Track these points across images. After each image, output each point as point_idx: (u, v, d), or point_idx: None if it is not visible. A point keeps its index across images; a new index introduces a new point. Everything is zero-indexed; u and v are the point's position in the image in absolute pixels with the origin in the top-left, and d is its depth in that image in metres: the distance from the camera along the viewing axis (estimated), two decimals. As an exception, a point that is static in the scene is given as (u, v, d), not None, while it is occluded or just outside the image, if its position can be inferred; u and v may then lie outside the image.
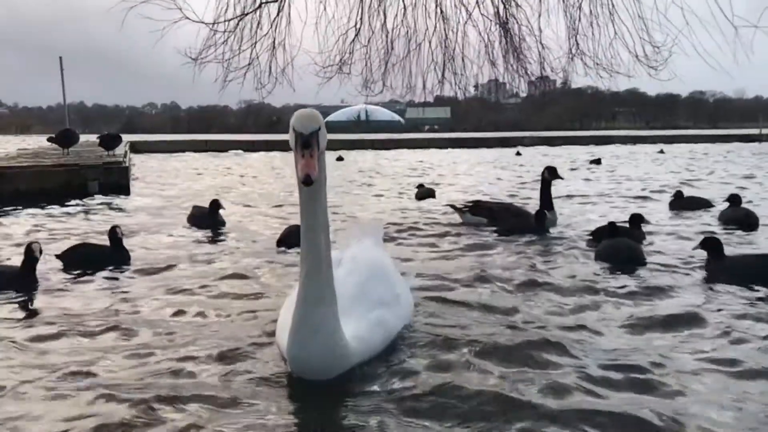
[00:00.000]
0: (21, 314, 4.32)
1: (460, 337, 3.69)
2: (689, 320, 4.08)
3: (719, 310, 4.32)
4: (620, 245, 6.05)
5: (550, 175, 8.42)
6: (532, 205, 9.12)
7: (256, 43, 7.72)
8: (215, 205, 8.52)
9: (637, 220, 7.07)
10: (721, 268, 5.20)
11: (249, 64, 7.80)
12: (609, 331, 3.88)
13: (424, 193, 12.45)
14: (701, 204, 9.77)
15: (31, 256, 5.08)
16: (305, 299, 3.08)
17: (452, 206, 9.01)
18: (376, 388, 3.04)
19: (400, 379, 3.12)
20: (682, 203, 9.86)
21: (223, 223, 8.40)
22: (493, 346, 3.54)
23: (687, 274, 5.39)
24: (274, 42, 7.82)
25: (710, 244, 5.37)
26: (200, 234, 7.82)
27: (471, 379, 3.11)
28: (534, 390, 2.98)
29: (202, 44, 7.46)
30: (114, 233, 5.93)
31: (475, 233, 7.71)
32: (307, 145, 2.92)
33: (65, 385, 3.09)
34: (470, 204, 8.83)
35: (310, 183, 2.84)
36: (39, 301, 4.70)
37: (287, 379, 3.16)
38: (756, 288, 4.81)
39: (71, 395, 2.99)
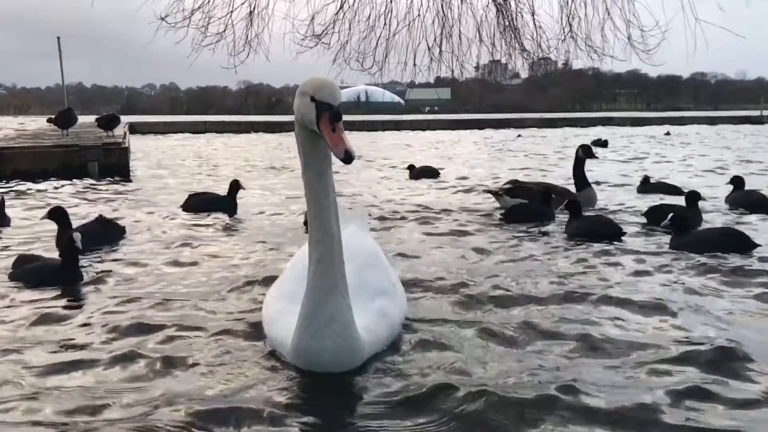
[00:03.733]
0: (67, 312, 4.12)
1: (455, 330, 3.60)
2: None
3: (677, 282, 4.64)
4: (594, 222, 6.49)
5: (584, 153, 8.31)
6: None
7: (232, 12, 7.65)
8: (235, 185, 8.15)
9: (694, 198, 6.86)
10: (683, 241, 5.58)
11: (224, 30, 7.75)
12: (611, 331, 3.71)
13: (419, 172, 12.32)
14: (668, 190, 9.56)
15: (73, 247, 4.73)
16: (318, 288, 2.86)
17: (489, 191, 8.75)
18: (378, 381, 2.92)
19: (402, 373, 3.00)
20: (648, 188, 9.65)
21: (235, 208, 8.01)
22: (491, 337, 3.47)
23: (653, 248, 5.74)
24: (251, 11, 7.74)
25: (678, 220, 5.73)
26: (211, 217, 7.60)
27: (470, 373, 3.01)
28: (535, 386, 2.87)
29: (174, 5, 7.42)
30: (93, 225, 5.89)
31: (476, 219, 7.59)
32: (338, 117, 2.61)
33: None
34: (507, 186, 8.48)
35: (352, 160, 2.55)
36: (83, 297, 4.48)
37: (285, 371, 3.03)
38: (712, 260, 5.14)
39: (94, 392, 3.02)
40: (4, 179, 11.44)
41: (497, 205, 8.37)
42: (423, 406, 2.70)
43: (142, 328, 3.70)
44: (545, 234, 6.63)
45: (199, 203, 8.05)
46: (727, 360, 3.16)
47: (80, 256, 4.89)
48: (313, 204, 2.88)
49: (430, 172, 12.39)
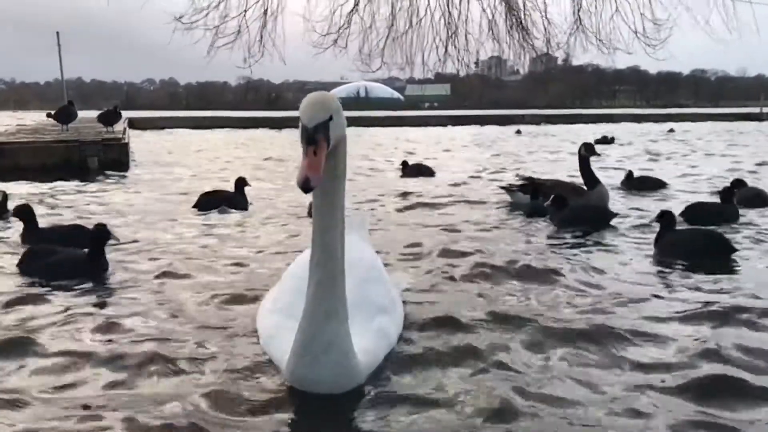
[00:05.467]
0: (98, 305, 4.13)
1: (456, 338, 3.50)
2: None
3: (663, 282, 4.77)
4: (585, 211, 6.77)
5: (587, 151, 8.28)
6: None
7: (246, 11, 7.66)
8: (241, 182, 8.10)
9: (729, 194, 6.74)
10: (668, 240, 5.62)
11: (238, 31, 7.76)
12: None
13: (412, 170, 12.09)
14: (654, 184, 9.67)
15: (106, 237, 4.75)
16: (316, 313, 2.72)
17: (502, 187, 8.70)
18: (374, 397, 2.84)
19: (398, 389, 2.91)
20: (632, 183, 9.76)
21: (246, 205, 7.97)
22: (493, 349, 3.36)
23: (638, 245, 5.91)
24: (266, 11, 7.76)
25: (665, 217, 5.77)
26: (219, 216, 7.53)
27: (467, 383, 2.95)
28: (534, 397, 2.83)
29: (189, 6, 7.42)
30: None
31: (473, 217, 7.48)
32: (311, 141, 2.46)
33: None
34: (521, 182, 8.46)
35: (309, 189, 2.39)
36: (111, 290, 4.47)
37: (281, 387, 2.92)
38: (695, 261, 5.22)
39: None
40: (4, 174, 11.43)
41: (497, 202, 8.35)
42: (419, 423, 2.62)
43: (145, 333, 3.66)
44: (548, 233, 6.61)
45: (211, 201, 7.89)
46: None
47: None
48: (318, 222, 2.74)
49: (424, 170, 12.17)
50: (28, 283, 4.61)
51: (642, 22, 7.78)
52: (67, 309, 4.04)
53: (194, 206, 7.93)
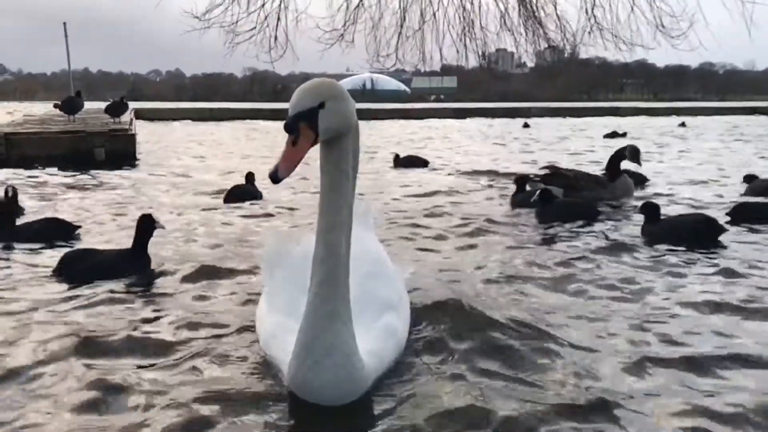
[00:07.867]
0: (148, 304, 4.00)
1: (464, 339, 3.39)
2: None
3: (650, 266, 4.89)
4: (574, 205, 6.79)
5: (630, 155, 8.06)
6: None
7: (264, 4, 7.66)
8: (251, 176, 8.27)
9: None
10: (655, 229, 5.73)
11: (255, 27, 7.76)
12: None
13: (404, 161, 12.02)
14: (636, 179, 9.52)
15: (151, 228, 4.50)
16: (317, 313, 2.58)
17: (523, 177, 8.50)
18: (381, 406, 2.70)
19: (409, 393, 2.80)
20: None
21: (260, 196, 8.03)
22: (500, 347, 3.27)
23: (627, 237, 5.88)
24: (281, 4, 7.75)
25: (648, 207, 5.89)
26: (232, 208, 7.52)
27: (480, 386, 2.85)
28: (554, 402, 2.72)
29: (208, 4, 7.42)
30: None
31: (475, 214, 7.29)
32: (290, 129, 2.31)
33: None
34: (543, 173, 8.35)
35: (277, 181, 2.29)
36: (156, 286, 4.33)
37: (283, 396, 2.77)
38: (682, 247, 5.37)
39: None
40: (11, 165, 11.45)
41: (499, 195, 8.35)
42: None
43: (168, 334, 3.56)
44: (537, 228, 6.53)
45: (239, 194, 7.92)
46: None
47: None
48: (324, 217, 2.59)
49: (417, 161, 12.07)
50: (72, 289, 4.28)
51: (659, 17, 7.68)
52: (108, 309, 3.87)
53: (224, 200, 7.88)
